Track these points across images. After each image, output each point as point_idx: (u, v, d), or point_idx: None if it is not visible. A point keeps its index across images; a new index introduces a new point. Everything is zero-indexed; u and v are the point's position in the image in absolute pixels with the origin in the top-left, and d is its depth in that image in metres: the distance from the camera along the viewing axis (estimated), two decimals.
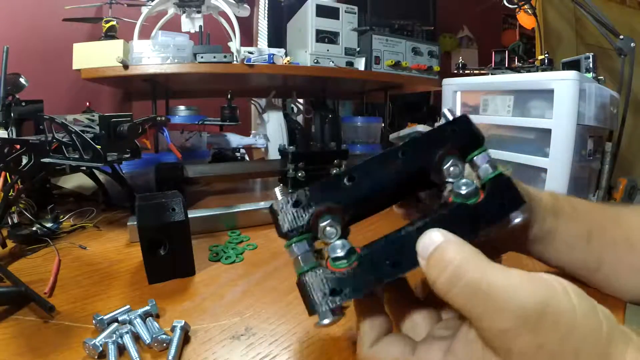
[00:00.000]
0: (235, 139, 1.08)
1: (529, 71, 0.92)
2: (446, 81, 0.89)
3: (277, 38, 1.34)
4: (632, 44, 0.96)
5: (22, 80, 0.66)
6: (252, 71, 0.87)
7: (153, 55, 0.83)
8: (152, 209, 0.40)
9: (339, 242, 0.21)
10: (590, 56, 0.89)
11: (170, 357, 0.27)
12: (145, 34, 0.89)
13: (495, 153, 0.75)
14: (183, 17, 0.94)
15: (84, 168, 0.61)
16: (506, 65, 0.96)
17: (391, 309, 0.24)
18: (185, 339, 0.30)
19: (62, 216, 0.57)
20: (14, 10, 1.06)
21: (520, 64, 0.98)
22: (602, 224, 0.31)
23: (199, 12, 0.92)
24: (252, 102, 1.28)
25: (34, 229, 0.49)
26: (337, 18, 1.00)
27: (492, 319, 0.17)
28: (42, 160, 0.51)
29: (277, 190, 0.23)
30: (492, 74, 0.90)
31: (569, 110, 0.63)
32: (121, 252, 0.48)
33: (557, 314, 0.16)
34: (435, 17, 1.33)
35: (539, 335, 0.16)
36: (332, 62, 0.98)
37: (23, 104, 0.65)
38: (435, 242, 0.19)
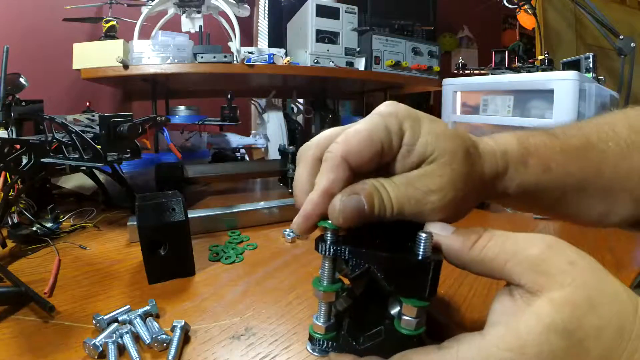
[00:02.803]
0: (235, 139, 1.08)
1: (529, 71, 0.92)
2: (446, 81, 0.89)
3: (277, 38, 1.34)
4: (632, 44, 0.96)
5: (22, 80, 0.66)
6: (252, 71, 0.87)
7: (153, 55, 0.83)
8: (152, 209, 0.40)
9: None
10: (590, 56, 0.89)
11: (170, 357, 0.27)
12: (145, 34, 0.89)
13: None
14: (183, 17, 0.94)
15: (84, 168, 0.61)
16: (506, 65, 0.96)
17: None
18: (185, 339, 0.30)
19: (62, 216, 0.57)
20: (14, 10, 1.06)
21: (520, 64, 0.98)
22: (580, 182, 0.27)
23: (199, 12, 0.93)
24: (252, 102, 1.28)
25: (34, 229, 0.49)
26: (337, 18, 1.00)
27: (525, 249, 0.19)
28: (42, 160, 0.51)
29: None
30: (492, 74, 0.90)
31: (569, 110, 0.63)
32: (121, 252, 0.48)
33: (572, 247, 0.19)
34: (435, 17, 1.33)
35: (566, 254, 0.19)
36: (332, 62, 0.98)
37: (23, 104, 0.65)
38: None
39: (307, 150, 0.24)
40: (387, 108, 0.23)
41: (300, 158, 0.24)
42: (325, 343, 0.23)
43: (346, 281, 0.24)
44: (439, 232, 0.22)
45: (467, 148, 0.23)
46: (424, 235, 0.20)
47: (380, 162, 0.23)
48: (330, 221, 0.22)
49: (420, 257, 0.20)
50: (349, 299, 0.24)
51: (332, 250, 0.21)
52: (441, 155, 0.22)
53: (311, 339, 0.23)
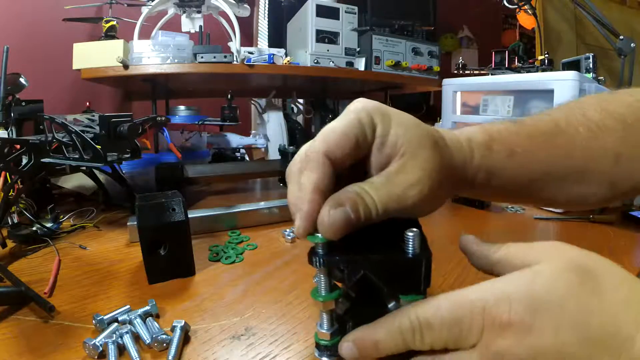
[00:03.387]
0: (235, 139, 1.08)
1: (529, 71, 0.92)
2: (446, 81, 0.89)
3: (277, 38, 1.34)
4: (632, 45, 0.96)
5: (22, 80, 0.66)
6: (252, 71, 0.87)
7: (153, 55, 0.83)
8: (152, 209, 0.40)
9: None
10: (590, 56, 0.89)
11: (170, 357, 0.27)
12: (145, 34, 0.89)
13: None
14: (183, 17, 0.94)
15: (84, 168, 0.61)
16: (506, 66, 0.96)
17: None
18: (185, 339, 0.30)
19: (62, 216, 0.57)
20: (14, 10, 1.06)
21: (520, 64, 0.98)
22: (555, 168, 0.28)
23: (199, 12, 0.93)
24: (252, 102, 1.28)
25: (34, 229, 0.49)
26: (337, 18, 1.00)
27: (540, 245, 0.21)
28: (42, 160, 0.51)
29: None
30: (492, 74, 0.90)
31: None
32: (121, 252, 0.48)
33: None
34: (435, 17, 1.33)
35: (576, 248, 0.21)
36: (332, 62, 0.98)
37: (23, 104, 0.65)
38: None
39: (294, 166, 0.25)
40: (358, 104, 0.25)
41: (289, 176, 0.25)
42: (332, 348, 0.24)
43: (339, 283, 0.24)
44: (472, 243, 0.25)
45: (434, 138, 0.25)
46: (411, 233, 0.21)
47: (357, 155, 0.24)
48: (319, 235, 0.22)
49: (411, 255, 0.21)
50: (346, 301, 0.24)
51: (326, 262, 0.22)
52: (410, 144, 0.24)
53: (318, 346, 0.24)
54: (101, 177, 0.65)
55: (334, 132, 0.23)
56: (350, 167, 0.24)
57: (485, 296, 0.19)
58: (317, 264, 0.22)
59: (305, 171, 0.23)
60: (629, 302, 0.18)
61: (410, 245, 0.21)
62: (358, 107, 0.24)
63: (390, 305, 0.23)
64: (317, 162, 0.23)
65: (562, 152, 0.28)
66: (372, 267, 0.22)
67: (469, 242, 0.25)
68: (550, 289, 0.18)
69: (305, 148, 0.25)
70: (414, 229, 0.21)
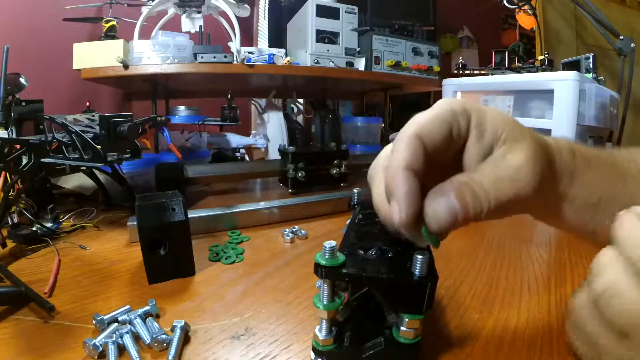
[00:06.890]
0: (235, 139, 1.08)
1: (529, 71, 0.92)
2: (446, 81, 0.89)
3: (277, 38, 1.34)
4: (632, 45, 0.96)
5: (22, 80, 0.66)
6: (252, 71, 0.87)
7: (153, 55, 0.83)
8: (152, 209, 0.40)
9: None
10: (590, 56, 0.89)
11: (170, 357, 0.27)
12: (145, 34, 0.89)
13: None
14: (183, 17, 0.94)
15: (84, 168, 0.61)
16: (506, 66, 0.97)
17: None
18: (185, 339, 0.30)
19: (62, 216, 0.57)
20: (14, 10, 1.06)
21: (520, 64, 0.98)
22: (612, 191, 0.27)
23: (199, 12, 0.93)
24: (252, 102, 1.28)
25: (34, 229, 0.49)
26: (337, 18, 1.00)
27: None
28: (42, 160, 0.51)
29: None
30: (492, 74, 0.90)
31: (569, 111, 0.63)
32: (121, 252, 0.47)
33: None
34: (435, 17, 1.33)
35: None
36: (332, 62, 0.98)
37: (23, 104, 0.65)
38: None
39: (377, 164, 0.24)
40: (447, 99, 0.24)
41: (372, 178, 0.24)
42: (328, 354, 0.24)
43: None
44: None
45: (530, 129, 0.24)
46: (420, 256, 0.21)
47: (450, 147, 0.22)
48: (326, 257, 0.22)
49: (416, 278, 0.21)
50: (347, 308, 0.25)
51: (330, 275, 0.22)
52: (513, 130, 0.22)
53: (315, 350, 0.24)
54: (101, 177, 0.65)
55: (424, 116, 0.22)
56: (442, 168, 0.22)
57: None
58: (322, 275, 0.22)
59: (395, 151, 0.21)
60: None
61: (417, 268, 0.21)
62: (448, 101, 0.23)
63: (390, 317, 0.24)
64: (407, 142, 0.20)
65: (620, 177, 0.27)
66: (376, 285, 0.22)
67: None
68: None
69: (386, 153, 0.23)
70: (424, 251, 0.22)
